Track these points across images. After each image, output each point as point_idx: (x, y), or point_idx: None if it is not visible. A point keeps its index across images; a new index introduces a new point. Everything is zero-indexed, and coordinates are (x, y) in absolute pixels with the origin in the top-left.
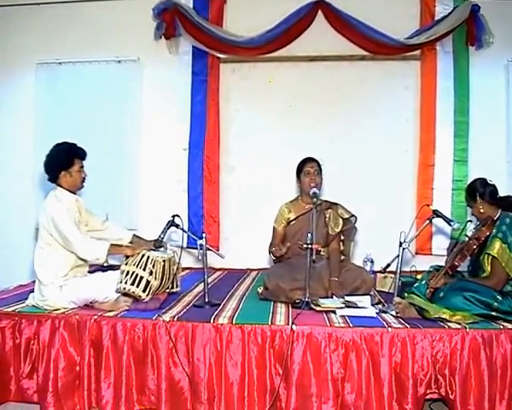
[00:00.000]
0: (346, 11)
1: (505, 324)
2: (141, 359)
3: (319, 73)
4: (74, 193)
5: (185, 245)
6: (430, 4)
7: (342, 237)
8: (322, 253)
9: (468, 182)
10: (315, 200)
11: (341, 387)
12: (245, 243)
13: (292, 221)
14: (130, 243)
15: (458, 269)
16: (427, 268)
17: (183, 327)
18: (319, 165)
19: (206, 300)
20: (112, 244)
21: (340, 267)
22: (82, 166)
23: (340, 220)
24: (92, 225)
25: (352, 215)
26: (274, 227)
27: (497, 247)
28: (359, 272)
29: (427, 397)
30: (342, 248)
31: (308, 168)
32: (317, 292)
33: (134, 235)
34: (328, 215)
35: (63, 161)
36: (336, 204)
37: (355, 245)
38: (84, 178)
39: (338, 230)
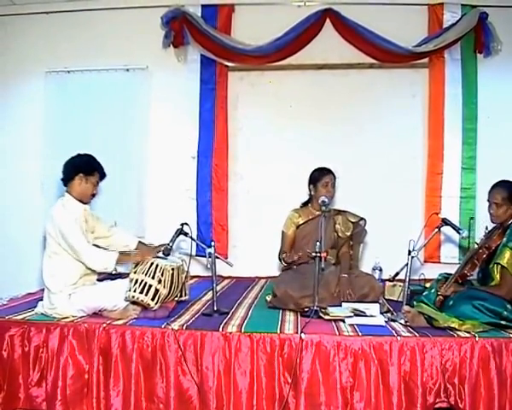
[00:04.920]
0: (354, 19)
1: None
2: (149, 367)
3: (327, 81)
4: (82, 203)
5: (194, 253)
6: (438, 12)
7: (351, 243)
8: (329, 256)
9: (477, 190)
10: (323, 207)
11: (350, 396)
12: (253, 251)
13: (301, 225)
14: (136, 249)
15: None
16: (435, 277)
17: (191, 336)
18: (335, 177)
19: (215, 308)
20: (120, 253)
21: (349, 267)
22: (97, 183)
23: (350, 224)
24: (99, 232)
25: (362, 218)
26: (283, 232)
27: (507, 256)
28: (368, 279)
29: (437, 406)
30: (351, 252)
31: (327, 180)
32: (325, 299)
33: (139, 242)
34: (337, 221)
35: (85, 166)
36: (345, 211)
37: (364, 251)
38: (94, 195)
39: (349, 233)
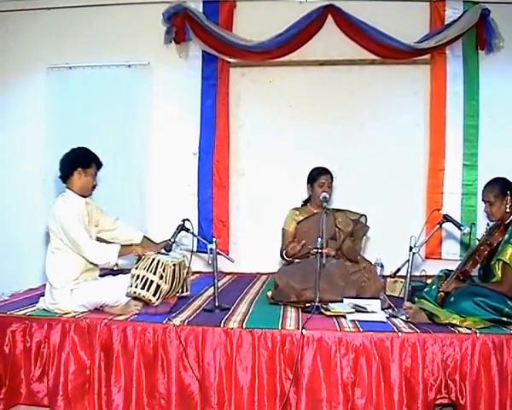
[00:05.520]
0: (356, 15)
1: None
2: (151, 363)
3: (329, 78)
4: (84, 196)
5: (195, 249)
6: (440, 9)
7: (352, 238)
8: (329, 248)
9: (478, 186)
10: (324, 203)
11: (351, 392)
12: (254, 247)
13: (301, 221)
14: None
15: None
16: (437, 273)
17: (193, 331)
18: (332, 177)
19: (216, 304)
20: (122, 246)
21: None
22: (96, 174)
23: (350, 221)
24: (103, 226)
25: (362, 215)
26: (284, 229)
27: (509, 253)
28: (369, 274)
29: (438, 402)
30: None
31: (323, 180)
32: (327, 290)
33: (144, 236)
34: (337, 217)
35: (82, 160)
36: (344, 210)
37: (365, 247)
38: (95, 187)
39: (349, 229)
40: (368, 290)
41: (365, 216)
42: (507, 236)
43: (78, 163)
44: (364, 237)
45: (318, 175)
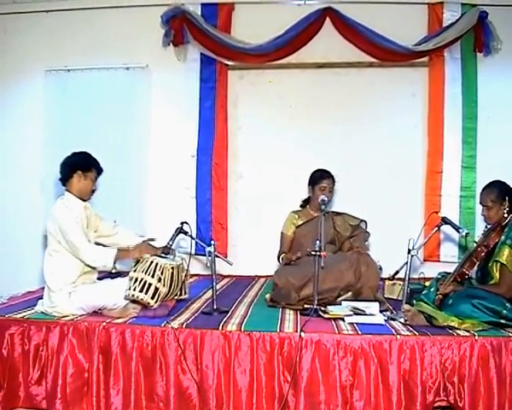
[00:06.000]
0: (354, 18)
1: None
2: (149, 365)
3: (327, 80)
4: (83, 200)
5: (193, 252)
6: (438, 11)
7: (351, 241)
8: (327, 251)
9: (477, 189)
10: (323, 206)
11: (350, 394)
12: (253, 250)
13: (300, 225)
14: None
15: (467, 276)
16: (435, 275)
17: (191, 334)
18: (334, 181)
19: (215, 307)
20: (119, 250)
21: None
22: (96, 179)
23: (348, 226)
24: (102, 231)
25: (362, 220)
26: (282, 233)
27: (506, 254)
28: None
29: (436, 405)
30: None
31: (324, 184)
32: (327, 281)
33: (143, 242)
34: (336, 221)
35: (83, 163)
36: (343, 214)
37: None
38: (94, 191)
39: (348, 234)
40: (364, 275)
41: (365, 222)
42: (503, 237)
43: (79, 166)
44: (366, 243)
45: (321, 179)
